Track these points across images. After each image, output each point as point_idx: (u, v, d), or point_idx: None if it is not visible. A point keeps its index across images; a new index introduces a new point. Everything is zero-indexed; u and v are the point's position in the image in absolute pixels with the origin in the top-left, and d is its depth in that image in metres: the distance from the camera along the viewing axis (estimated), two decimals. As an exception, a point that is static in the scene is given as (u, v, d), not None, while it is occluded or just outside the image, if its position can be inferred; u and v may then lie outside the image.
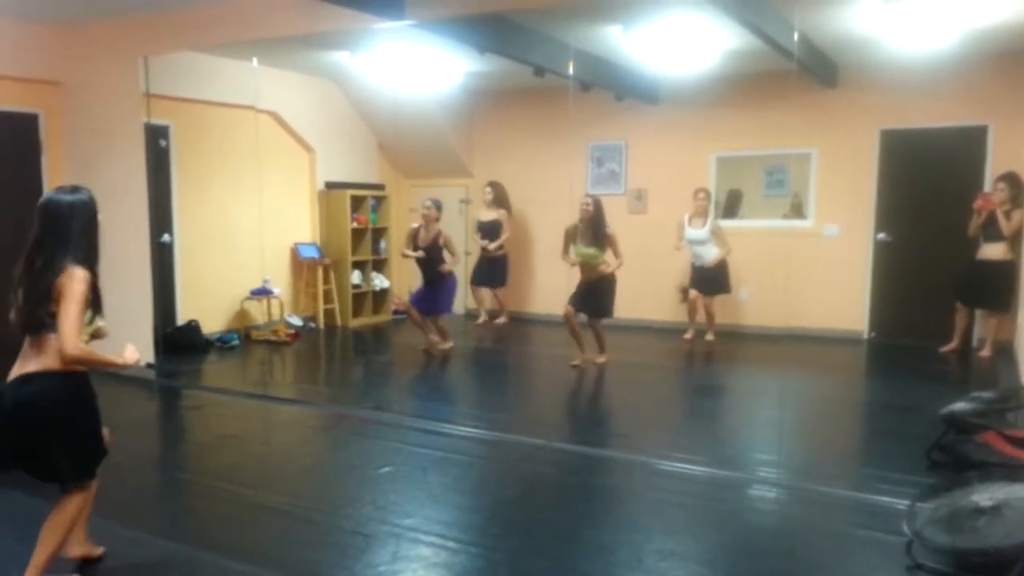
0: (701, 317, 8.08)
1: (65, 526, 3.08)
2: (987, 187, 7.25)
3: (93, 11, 6.30)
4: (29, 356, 2.98)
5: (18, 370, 2.97)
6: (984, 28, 5.98)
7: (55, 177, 6.86)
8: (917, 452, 4.49)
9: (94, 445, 3.15)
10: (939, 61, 6.87)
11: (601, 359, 6.99)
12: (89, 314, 3.04)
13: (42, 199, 3.06)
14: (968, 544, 3.08)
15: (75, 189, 3.13)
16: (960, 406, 4.44)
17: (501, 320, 9.21)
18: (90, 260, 3.02)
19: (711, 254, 7.82)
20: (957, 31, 5.92)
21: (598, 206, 6.74)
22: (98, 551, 3.41)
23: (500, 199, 8.88)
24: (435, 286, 7.48)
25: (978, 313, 7.35)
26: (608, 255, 6.78)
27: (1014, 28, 6.08)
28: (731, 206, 8.63)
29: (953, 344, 7.30)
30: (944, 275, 7.44)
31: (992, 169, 7.34)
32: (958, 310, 7.27)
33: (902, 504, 3.64)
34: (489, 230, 8.84)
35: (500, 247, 8.82)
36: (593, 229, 6.69)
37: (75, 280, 2.90)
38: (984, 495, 3.23)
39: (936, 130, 7.64)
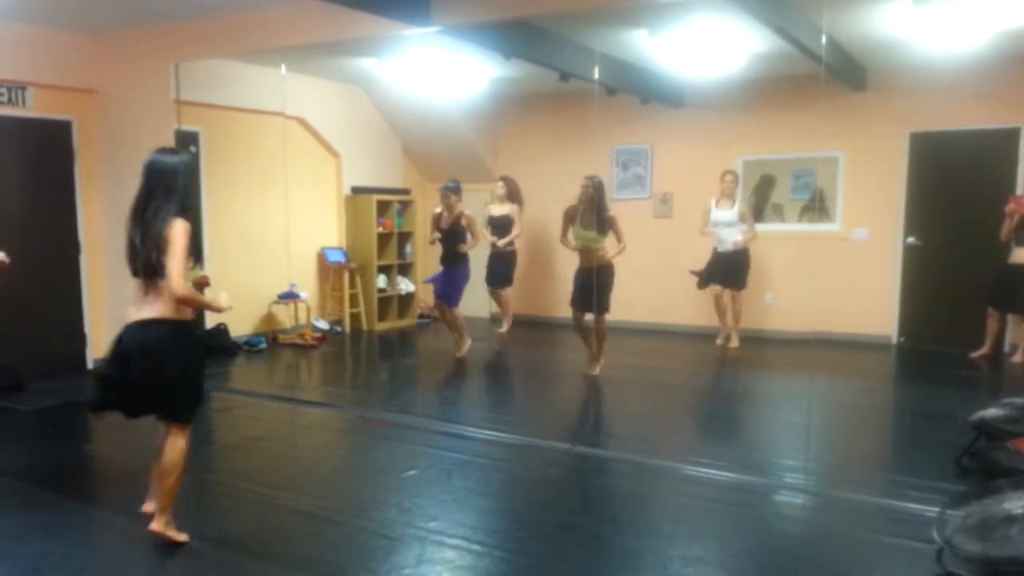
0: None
1: (177, 462, 3.53)
2: (1019, 190, 7.15)
3: (125, 19, 6.41)
4: (145, 302, 3.41)
5: (136, 315, 3.41)
6: (1015, 29, 5.89)
7: (88, 183, 6.98)
8: (947, 459, 4.44)
9: (198, 389, 3.61)
10: (969, 63, 6.78)
11: (596, 370, 6.72)
12: (191, 262, 3.40)
13: (148, 159, 3.50)
14: (1000, 552, 3.03)
15: (175, 151, 3.58)
16: (991, 412, 4.38)
17: (504, 328, 8.80)
18: (187, 213, 3.42)
19: (737, 238, 7.71)
20: (988, 32, 5.83)
21: (599, 188, 6.51)
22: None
23: (512, 193, 8.55)
24: (452, 271, 7.40)
25: (1010, 318, 7.24)
26: (611, 242, 6.56)
27: (1047, 29, 5.99)
28: (762, 194, 8.50)
29: (984, 349, 7.19)
30: (975, 279, 7.34)
31: (1024, 172, 7.24)
32: (990, 315, 7.16)
33: (932, 511, 3.59)
34: (500, 225, 8.50)
35: (511, 243, 8.47)
36: (594, 212, 6.42)
37: (179, 230, 3.32)
38: (1016, 503, 3.18)
39: (967, 133, 7.54)
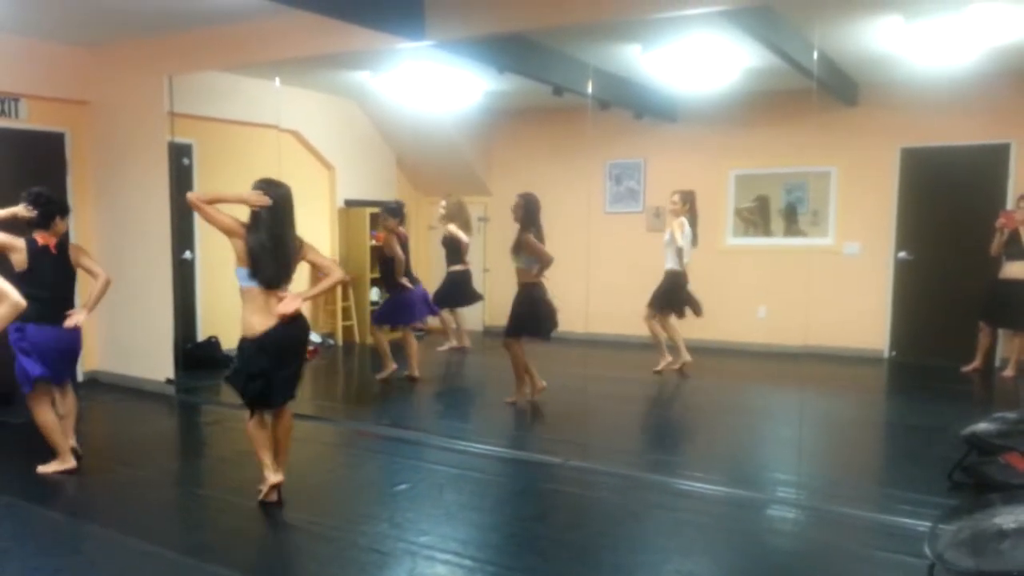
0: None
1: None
2: (1010, 205, 7.19)
3: (119, 32, 6.41)
4: (269, 307, 4.05)
5: (269, 321, 4.03)
6: (1006, 45, 5.95)
7: (80, 195, 6.97)
8: (939, 473, 4.44)
9: None
10: (960, 79, 6.83)
11: (512, 398, 6.36)
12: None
13: (274, 194, 4.10)
14: (991, 567, 3.03)
15: (279, 184, 4.17)
16: (982, 426, 4.39)
17: (452, 344, 8.47)
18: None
19: (669, 262, 7.35)
20: (979, 49, 5.88)
21: (528, 206, 6.11)
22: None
23: (451, 215, 8.03)
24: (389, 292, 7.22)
25: (1001, 332, 7.26)
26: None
27: (1036, 46, 6.05)
28: (761, 215, 8.48)
29: (975, 364, 7.21)
30: (966, 294, 7.37)
31: (1014, 187, 7.27)
32: (981, 329, 7.19)
33: (924, 526, 3.59)
34: (446, 245, 8.05)
35: (464, 263, 8.01)
36: (519, 233, 6.07)
37: (314, 246, 4.26)
38: (1008, 517, 3.18)
39: (958, 148, 7.59)
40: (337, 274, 4.24)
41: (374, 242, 9.24)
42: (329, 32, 5.44)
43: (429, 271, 8.50)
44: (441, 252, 8.10)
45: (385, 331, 7.53)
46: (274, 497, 4.21)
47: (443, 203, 8.19)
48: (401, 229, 7.26)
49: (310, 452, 5.48)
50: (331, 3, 4.70)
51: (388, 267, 7.19)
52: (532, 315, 6.13)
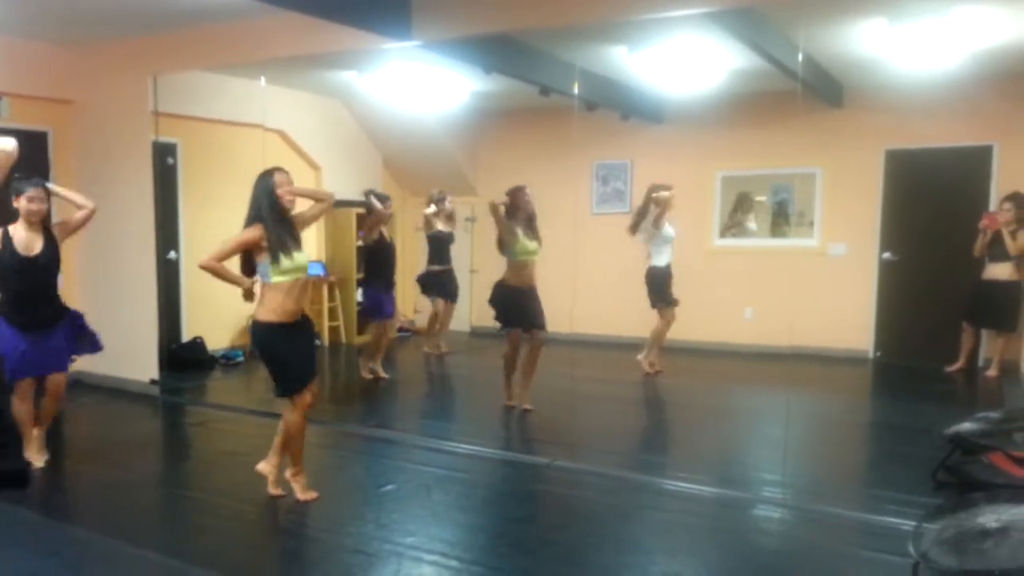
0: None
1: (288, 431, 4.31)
2: (993, 206, 7.24)
3: (104, 31, 6.36)
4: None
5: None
6: (989, 48, 6.00)
7: (63, 194, 6.91)
8: (923, 473, 4.47)
9: (288, 374, 4.22)
10: (944, 81, 6.88)
11: (529, 402, 6.18)
12: (269, 258, 4.07)
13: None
14: (975, 566, 3.05)
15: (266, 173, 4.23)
16: (966, 426, 4.42)
17: (441, 350, 8.45)
18: (260, 218, 4.11)
19: (666, 257, 7.35)
20: (962, 52, 5.93)
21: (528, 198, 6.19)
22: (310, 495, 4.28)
23: (452, 213, 8.15)
24: (389, 290, 7.28)
25: (984, 333, 7.32)
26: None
27: (1020, 48, 6.09)
28: (739, 213, 8.53)
29: (959, 364, 7.26)
30: (950, 295, 7.42)
31: (997, 189, 7.33)
32: (965, 330, 7.24)
33: (908, 525, 3.61)
34: (442, 241, 8.08)
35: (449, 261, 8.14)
36: (533, 222, 6.11)
37: (242, 232, 4.10)
38: (990, 517, 3.20)
39: (941, 150, 7.65)
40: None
41: (361, 242, 9.21)
42: (315, 32, 5.43)
43: (416, 272, 8.46)
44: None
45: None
46: (276, 491, 4.30)
47: (448, 200, 8.03)
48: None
49: (296, 453, 5.46)
50: (317, 3, 4.68)
51: (386, 260, 7.19)
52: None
